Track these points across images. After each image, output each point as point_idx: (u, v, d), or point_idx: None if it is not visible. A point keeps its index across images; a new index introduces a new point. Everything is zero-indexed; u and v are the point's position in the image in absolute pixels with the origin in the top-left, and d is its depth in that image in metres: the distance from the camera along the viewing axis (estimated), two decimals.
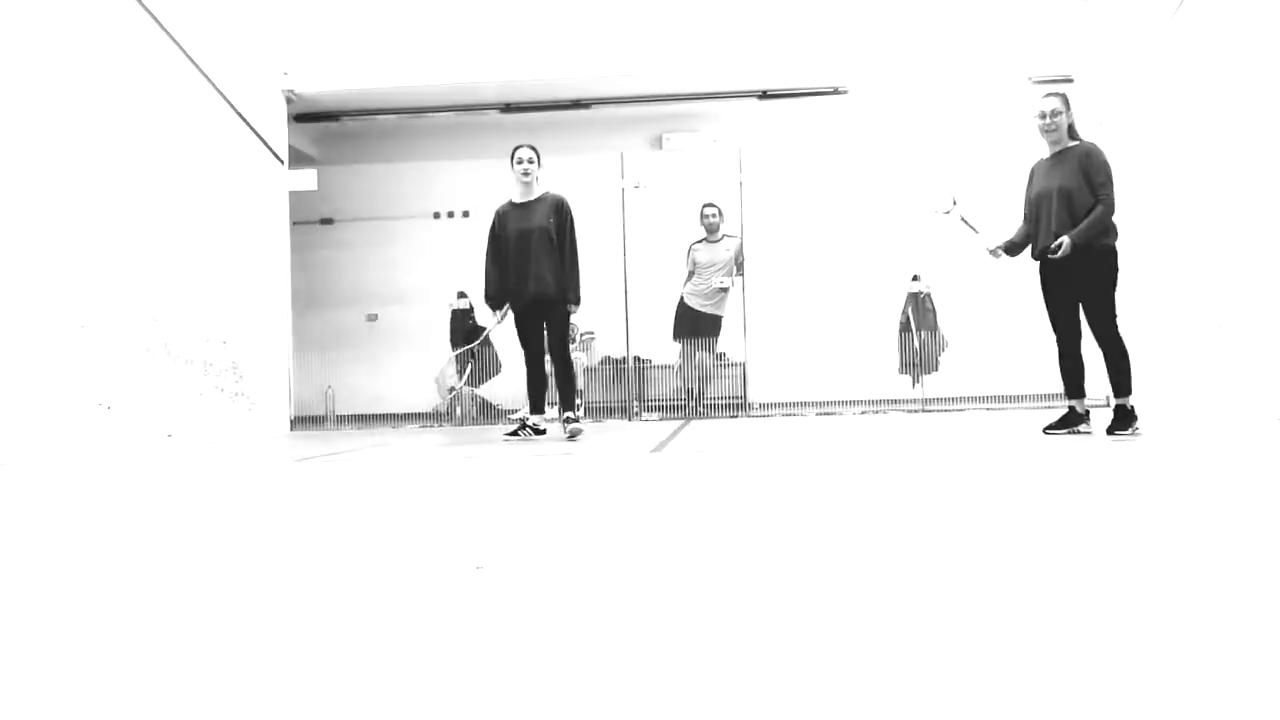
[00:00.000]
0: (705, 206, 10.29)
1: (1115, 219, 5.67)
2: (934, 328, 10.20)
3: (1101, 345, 5.70)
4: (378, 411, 10.93)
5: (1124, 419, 5.63)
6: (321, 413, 10.66)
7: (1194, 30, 7.73)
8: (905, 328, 10.32)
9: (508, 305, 7.15)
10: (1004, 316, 11.19)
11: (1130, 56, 8.83)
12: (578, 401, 10.60)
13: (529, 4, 9.98)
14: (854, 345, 11.11)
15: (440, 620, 1.73)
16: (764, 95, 10.95)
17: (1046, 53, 9.87)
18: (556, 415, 7.31)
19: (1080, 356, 5.88)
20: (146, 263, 7.66)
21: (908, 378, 10.35)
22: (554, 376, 7.17)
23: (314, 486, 4.20)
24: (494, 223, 7.20)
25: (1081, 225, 5.58)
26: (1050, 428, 5.96)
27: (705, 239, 10.33)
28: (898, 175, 11.51)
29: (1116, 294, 5.70)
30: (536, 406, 7.19)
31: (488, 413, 10.69)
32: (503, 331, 10.60)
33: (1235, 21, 7.17)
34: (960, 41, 9.80)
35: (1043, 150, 5.96)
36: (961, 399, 10.41)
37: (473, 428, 9.58)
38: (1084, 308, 5.72)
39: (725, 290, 10.27)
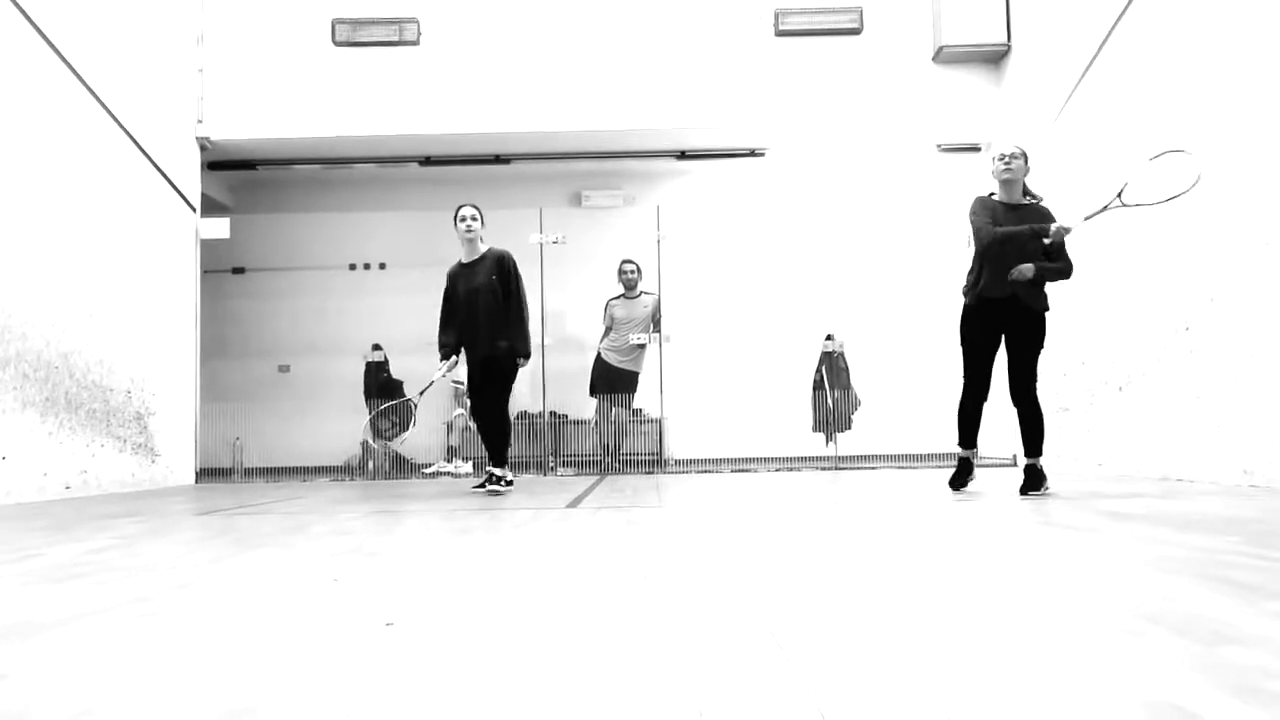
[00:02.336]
0: (624, 263, 10.35)
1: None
2: (847, 386, 10.34)
3: (1020, 404, 5.79)
4: (288, 465, 10.69)
5: (1036, 479, 5.73)
6: (229, 465, 10.40)
7: (1094, 101, 8.05)
8: (819, 386, 10.45)
9: (455, 358, 7.16)
10: (915, 375, 11.42)
11: (1032, 131, 9.14)
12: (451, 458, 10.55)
13: (449, 59, 10.02)
14: (769, 403, 11.22)
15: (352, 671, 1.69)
16: (682, 155, 11.11)
17: (955, 123, 10.17)
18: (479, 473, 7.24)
19: (982, 410, 5.95)
20: (47, 309, 7.44)
21: (821, 436, 10.46)
22: (484, 432, 7.18)
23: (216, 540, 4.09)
24: (447, 284, 7.17)
25: (1053, 267, 5.64)
26: (956, 484, 6.04)
27: (623, 295, 10.38)
28: (813, 235, 11.73)
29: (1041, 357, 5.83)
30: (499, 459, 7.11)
31: (401, 467, 10.54)
32: (416, 384, 10.57)
33: (1136, 88, 7.47)
34: (874, 109, 10.06)
35: (983, 185, 6.18)
36: (873, 457, 10.54)
37: (385, 482, 9.43)
38: (1011, 364, 5.78)
39: (642, 346, 10.31)
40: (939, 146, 10.79)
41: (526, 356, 7.11)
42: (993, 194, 5.94)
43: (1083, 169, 8.24)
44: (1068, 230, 5.56)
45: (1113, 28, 7.70)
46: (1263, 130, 5.99)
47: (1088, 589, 2.50)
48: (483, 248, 7.09)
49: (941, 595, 2.46)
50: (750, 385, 11.47)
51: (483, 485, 7.16)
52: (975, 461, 6.07)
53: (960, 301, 6.13)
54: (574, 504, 5.84)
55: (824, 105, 10.07)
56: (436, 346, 7.20)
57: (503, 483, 7.05)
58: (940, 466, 9.81)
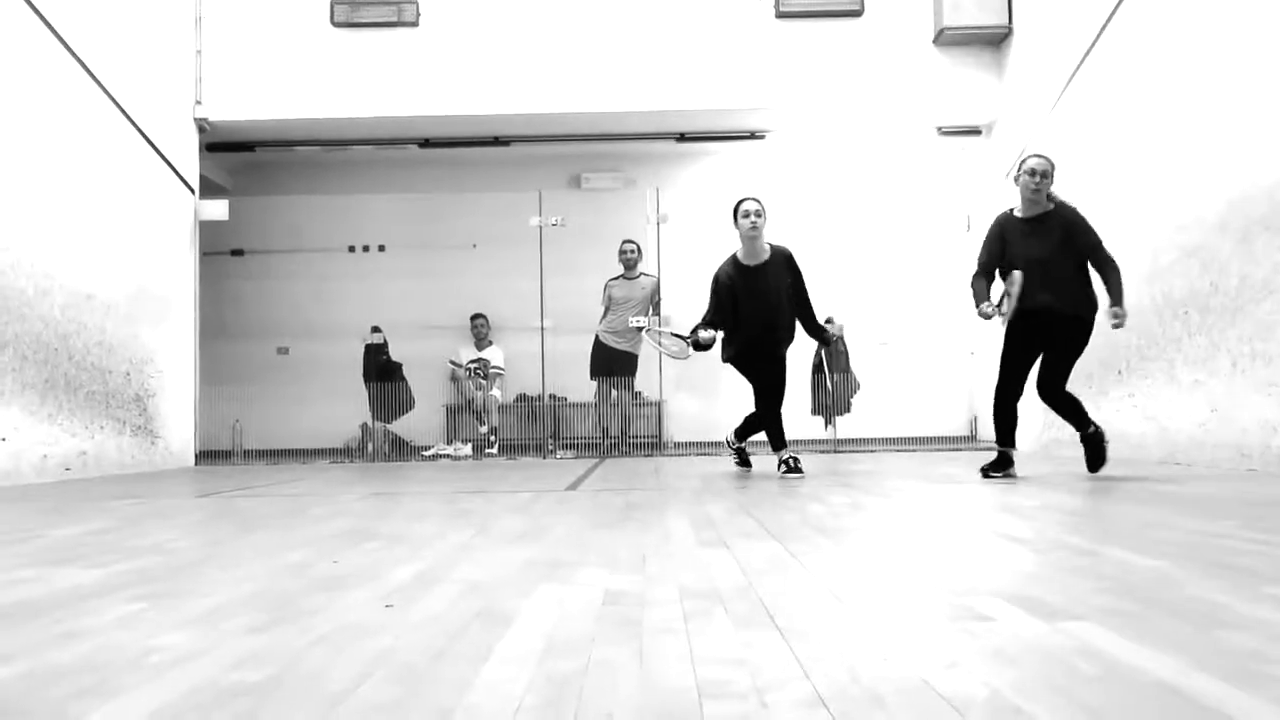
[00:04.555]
0: (625, 242, 10.33)
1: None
2: (846, 370, 10.34)
3: (1049, 400, 5.84)
4: (287, 447, 10.70)
5: (1098, 448, 5.80)
6: (228, 447, 10.41)
7: (1094, 86, 8.03)
8: (818, 369, 10.44)
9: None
10: (914, 360, 11.43)
11: (1034, 113, 9.12)
12: (492, 438, 10.58)
13: (448, 40, 9.98)
14: None
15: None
16: (682, 137, 11.07)
17: (955, 106, 10.14)
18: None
19: (1018, 406, 5.98)
20: (47, 292, 7.44)
21: (820, 419, 10.46)
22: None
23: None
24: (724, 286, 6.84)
25: (1117, 292, 5.54)
26: (992, 471, 5.90)
27: (623, 275, 10.35)
28: (813, 219, 11.69)
29: None
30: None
31: (400, 449, 10.55)
32: (415, 366, 10.58)
33: (1137, 73, 7.46)
34: (875, 92, 10.02)
35: (1005, 201, 6.08)
36: (872, 440, 10.55)
37: (384, 464, 9.44)
38: (1045, 366, 5.78)
39: (641, 328, 10.30)
40: (939, 129, 10.76)
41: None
42: (1014, 210, 5.85)
43: (1081, 153, 8.23)
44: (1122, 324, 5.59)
45: (1114, 11, 7.67)
46: (1261, 117, 5.97)
47: (1082, 570, 2.51)
48: (768, 249, 6.79)
49: (931, 572, 2.48)
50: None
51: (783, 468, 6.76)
52: (1013, 455, 5.96)
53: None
54: (574, 486, 5.86)
55: (824, 87, 10.03)
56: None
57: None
58: (936, 449, 9.83)
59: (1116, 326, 5.56)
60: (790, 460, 6.68)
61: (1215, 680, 1.49)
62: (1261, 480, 5.30)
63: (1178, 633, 1.82)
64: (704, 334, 6.79)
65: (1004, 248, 5.76)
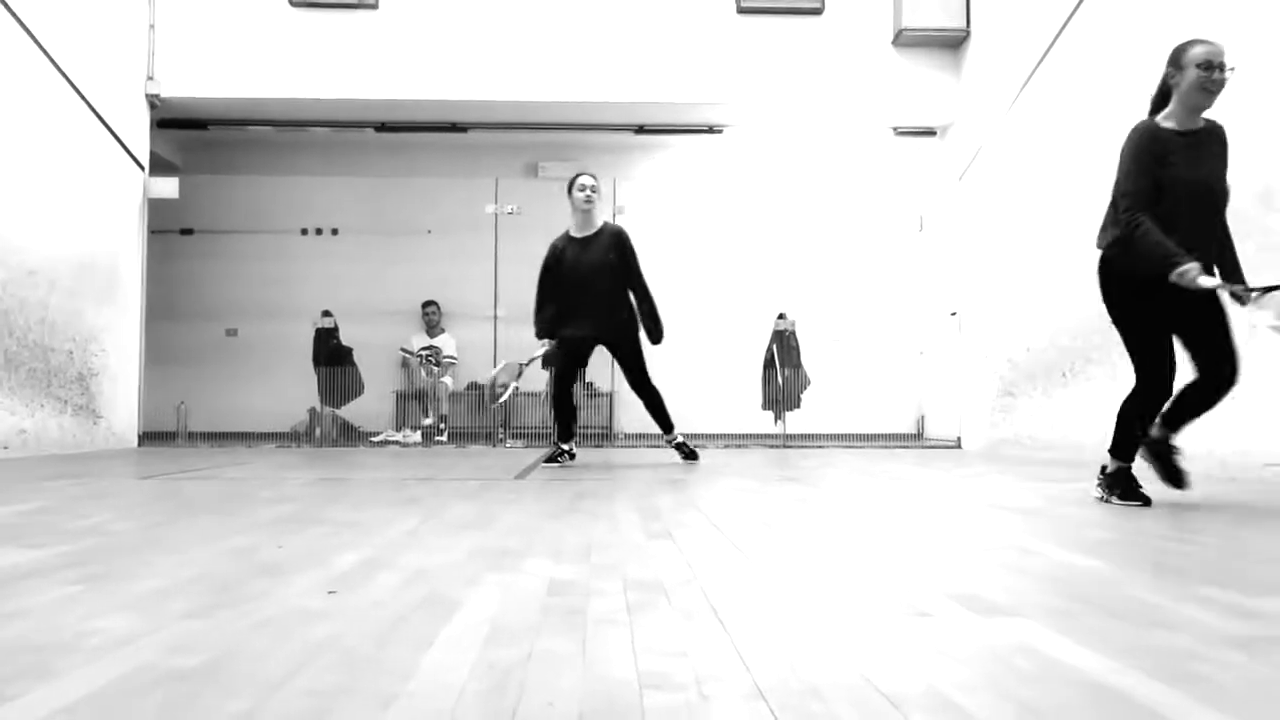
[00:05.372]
0: None
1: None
2: (797, 365, 10.40)
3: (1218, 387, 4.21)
4: (233, 430, 10.58)
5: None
6: (173, 429, 10.27)
7: (1049, 90, 8.13)
8: (770, 364, 10.50)
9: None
10: (864, 357, 11.52)
11: (990, 116, 9.22)
12: (442, 426, 10.52)
13: (407, 25, 9.88)
14: (720, 380, 11.26)
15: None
16: (640, 129, 11.05)
17: (912, 107, 10.22)
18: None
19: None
20: None
21: (770, 414, 10.52)
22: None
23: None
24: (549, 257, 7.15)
25: (1237, 260, 4.17)
26: (1123, 495, 4.24)
27: None
28: (769, 214, 11.75)
29: None
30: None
31: (349, 435, 10.46)
32: (366, 352, 10.49)
33: (1091, 79, 7.56)
34: (833, 90, 10.07)
35: (1119, 110, 5.04)
36: (821, 436, 10.63)
37: (333, 450, 9.36)
38: (1198, 347, 4.18)
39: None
40: (895, 130, 10.84)
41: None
42: (1162, 117, 4.17)
43: (1035, 157, 8.34)
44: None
45: (1069, 18, 7.77)
46: (1220, 120, 6.07)
47: (1022, 569, 2.55)
48: (598, 222, 7.03)
49: (874, 568, 2.50)
50: (701, 361, 11.49)
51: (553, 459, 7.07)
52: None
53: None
54: (522, 475, 5.85)
55: (783, 84, 10.07)
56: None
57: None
58: (884, 447, 9.92)
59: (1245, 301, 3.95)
60: (685, 445, 7.31)
61: (1148, 679, 1.52)
62: (1199, 483, 5.41)
63: (1113, 631, 1.86)
64: (538, 352, 7.22)
65: (1161, 171, 4.03)
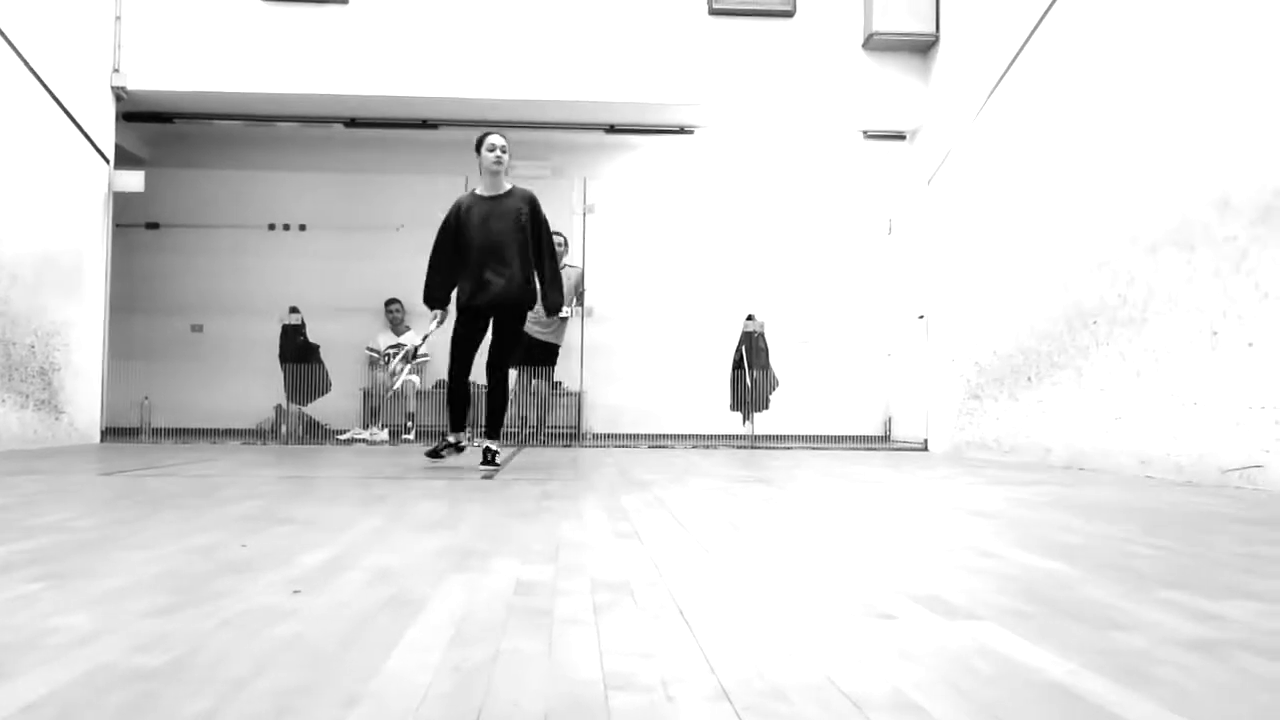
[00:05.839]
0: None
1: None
2: (766, 366, 10.43)
3: None
4: (198, 426, 10.49)
5: None
6: (137, 425, 10.16)
7: (1017, 96, 8.20)
8: (738, 365, 10.53)
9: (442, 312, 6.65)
10: (832, 359, 11.58)
11: (959, 120, 9.29)
12: (409, 424, 10.48)
13: (377, 20, 9.83)
14: (688, 380, 11.30)
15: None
16: (611, 129, 11.04)
17: (882, 111, 10.28)
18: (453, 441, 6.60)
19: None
20: None
21: (739, 415, 10.55)
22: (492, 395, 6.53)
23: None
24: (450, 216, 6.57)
25: None
26: None
27: None
28: (739, 215, 11.79)
29: None
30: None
31: (315, 432, 10.40)
32: (333, 349, 10.43)
33: (1058, 86, 7.64)
34: (804, 93, 10.11)
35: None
36: (788, 437, 10.68)
37: (298, 447, 9.30)
38: None
39: (564, 319, 10.30)
40: (865, 133, 10.90)
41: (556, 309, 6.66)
42: None
43: (1002, 162, 8.41)
44: None
45: (1037, 24, 7.84)
46: (1176, 133, 6.16)
47: (984, 571, 2.57)
48: (507, 184, 6.52)
49: (839, 569, 2.52)
50: (670, 362, 11.53)
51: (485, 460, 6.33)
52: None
53: None
54: (489, 475, 5.83)
55: (754, 86, 10.10)
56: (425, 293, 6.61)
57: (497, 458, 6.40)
58: (851, 448, 9.98)
59: None
60: (493, 453, 6.32)
61: (1106, 680, 1.54)
62: (1160, 487, 5.48)
63: (1073, 633, 1.88)
64: (431, 327, 6.60)
65: None
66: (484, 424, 6.55)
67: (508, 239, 6.33)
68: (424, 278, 6.55)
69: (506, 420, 7.62)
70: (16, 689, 1.43)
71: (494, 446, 6.39)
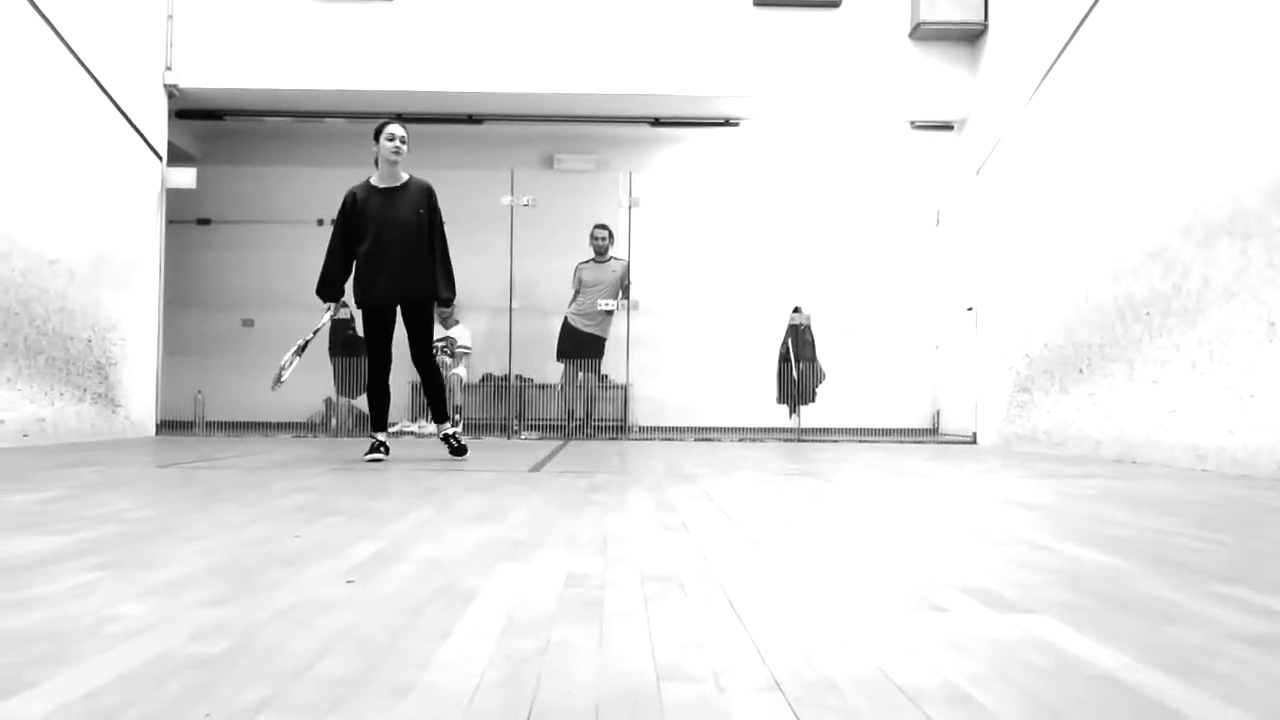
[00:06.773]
0: (596, 228, 10.35)
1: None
2: (812, 359, 10.39)
3: None
4: (250, 420, 10.62)
5: None
6: (190, 418, 10.32)
7: (1067, 85, 8.09)
8: (785, 358, 10.49)
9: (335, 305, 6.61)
10: (879, 351, 11.51)
11: (1008, 110, 9.18)
12: (456, 417, 10.54)
13: (424, 16, 9.90)
14: (735, 373, 11.27)
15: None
16: (656, 122, 11.04)
17: (929, 101, 10.18)
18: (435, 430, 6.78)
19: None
20: (7, 254, 7.33)
21: (785, 408, 10.51)
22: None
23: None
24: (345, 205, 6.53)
25: None
26: None
27: (593, 259, 10.39)
28: (784, 208, 11.74)
29: None
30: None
31: (365, 425, 10.49)
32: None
33: (1109, 74, 7.52)
34: (850, 84, 10.04)
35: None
36: (835, 430, 10.63)
37: (348, 440, 9.39)
38: None
39: (610, 313, 10.32)
40: (912, 123, 10.80)
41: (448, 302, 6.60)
42: None
43: (1052, 152, 8.30)
44: None
45: (1089, 12, 7.73)
46: (1228, 122, 6.05)
47: (1037, 565, 2.55)
48: (404, 175, 6.41)
49: (890, 562, 2.50)
50: (716, 355, 11.51)
51: (456, 449, 6.55)
52: None
53: None
54: (536, 468, 5.86)
55: (800, 78, 10.05)
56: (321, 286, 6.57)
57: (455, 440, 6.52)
58: (898, 442, 9.91)
59: None
60: (456, 438, 6.47)
61: (1161, 674, 1.52)
62: (1215, 480, 5.39)
63: (1127, 627, 1.86)
64: (323, 320, 6.54)
65: None
66: (430, 412, 6.59)
67: (407, 231, 6.26)
68: (320, 270, 6.48)
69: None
70: (78, 676, 1.46)
71: (450, 430, 6.47)
